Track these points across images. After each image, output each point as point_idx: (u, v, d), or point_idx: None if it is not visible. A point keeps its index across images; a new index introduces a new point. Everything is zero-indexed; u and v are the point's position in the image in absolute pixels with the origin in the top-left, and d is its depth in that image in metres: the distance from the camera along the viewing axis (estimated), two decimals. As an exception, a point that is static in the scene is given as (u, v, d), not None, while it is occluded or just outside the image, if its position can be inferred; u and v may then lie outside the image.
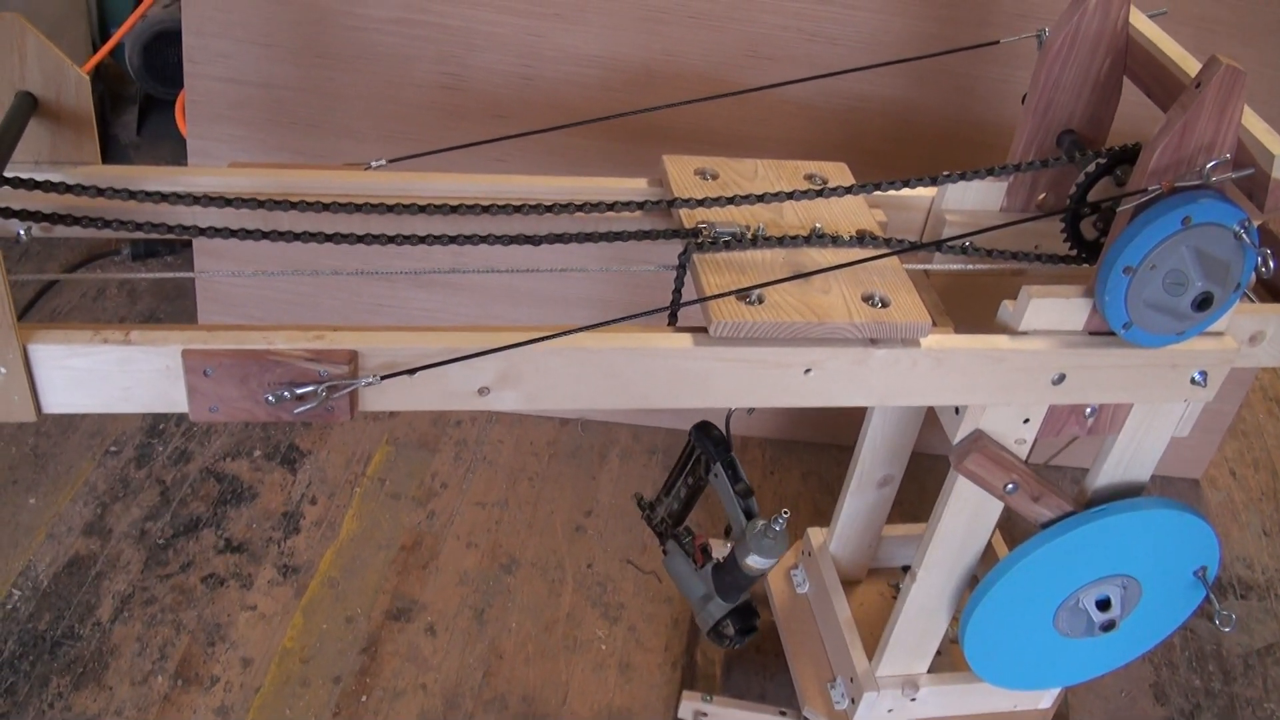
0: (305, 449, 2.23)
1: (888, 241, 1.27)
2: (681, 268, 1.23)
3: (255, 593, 1.95)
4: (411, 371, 1.07)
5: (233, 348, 1.04)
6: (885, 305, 1.19)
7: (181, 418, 2.23)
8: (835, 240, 1.26)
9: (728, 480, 1.41)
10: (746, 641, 1.46)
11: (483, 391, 1.12)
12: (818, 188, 1.32)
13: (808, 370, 1.18)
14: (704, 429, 1.46)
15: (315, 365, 1.04)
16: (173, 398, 1.06)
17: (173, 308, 2.57)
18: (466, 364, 1.09)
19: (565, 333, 1.11)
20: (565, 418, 2.41)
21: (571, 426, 2.39)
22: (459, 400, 1.12)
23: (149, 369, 1.05)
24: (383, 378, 1.06)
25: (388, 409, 1.11)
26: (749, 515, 1.39)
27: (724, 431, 1.45)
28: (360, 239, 1.17)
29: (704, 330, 1.16)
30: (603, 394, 1.16)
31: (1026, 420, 1.32)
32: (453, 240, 1.18)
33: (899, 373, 1.21)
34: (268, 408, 1.05)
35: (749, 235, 1.24)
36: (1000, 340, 1.22)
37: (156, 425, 2.24)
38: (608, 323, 1.14)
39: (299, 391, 1.04)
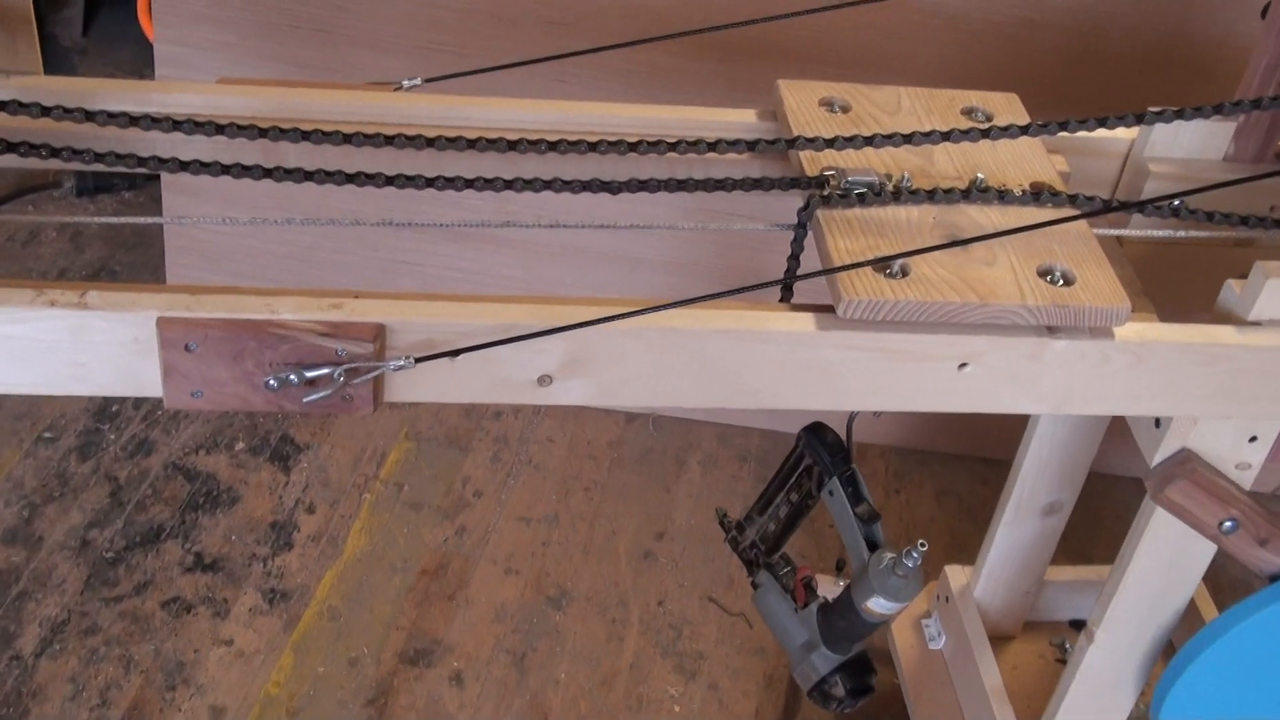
0: (302, 442, 2.26)
1: (1073, 199, 1.24)
2: (801, 228, 1.21)
3: (232, 623, 1.97)
4: (455, 353, 1.07)
5: (225, 316, 1.03)
6: (1068, 282, 1.17)
7: (141, 399, 2.26)
8: (1003, 196, 1.24)
9: (846, 499, 1.41)
10: (859, 705, 1.45)
11: (544, 381, 1.12)
12: (981, 126, 1.30)
13: (963, 365, 1.17)
14: (817, 432, 1.45)
15: (331, 342, 1.04)
16: (142, 379, 1.06)
17: (131, 259, 2.61)
18: (527, 346, 1.08)
19: (653, 309, 1.10)
20: (633, 412, 2.41)
21: (640, 424, 2.39)
22: (513, 391, 1.12)
23: (112, 341, 1.05)
24: (417, 360, 1.06)
25: (421, 399, 1.11)
26: (872, 545, 1.38)
27: (844, 437, 1.44)
28: (389, 180, 1.16)
29: (830, 310, 1.15)
30: (696, 389, 1.15)
31: (1253, 439, 1.29)
32: (508, 186, 1.17)
33: (1083, 371, 1.19)
34: (267, 394, 1.05)
35: (890, 187, 1.23)
36: (1222, 333, 1.20)
37: (108, 406, 2.27)
38: (706, 298, 1.13)
39: (309, 375, 1.04)
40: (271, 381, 1.04)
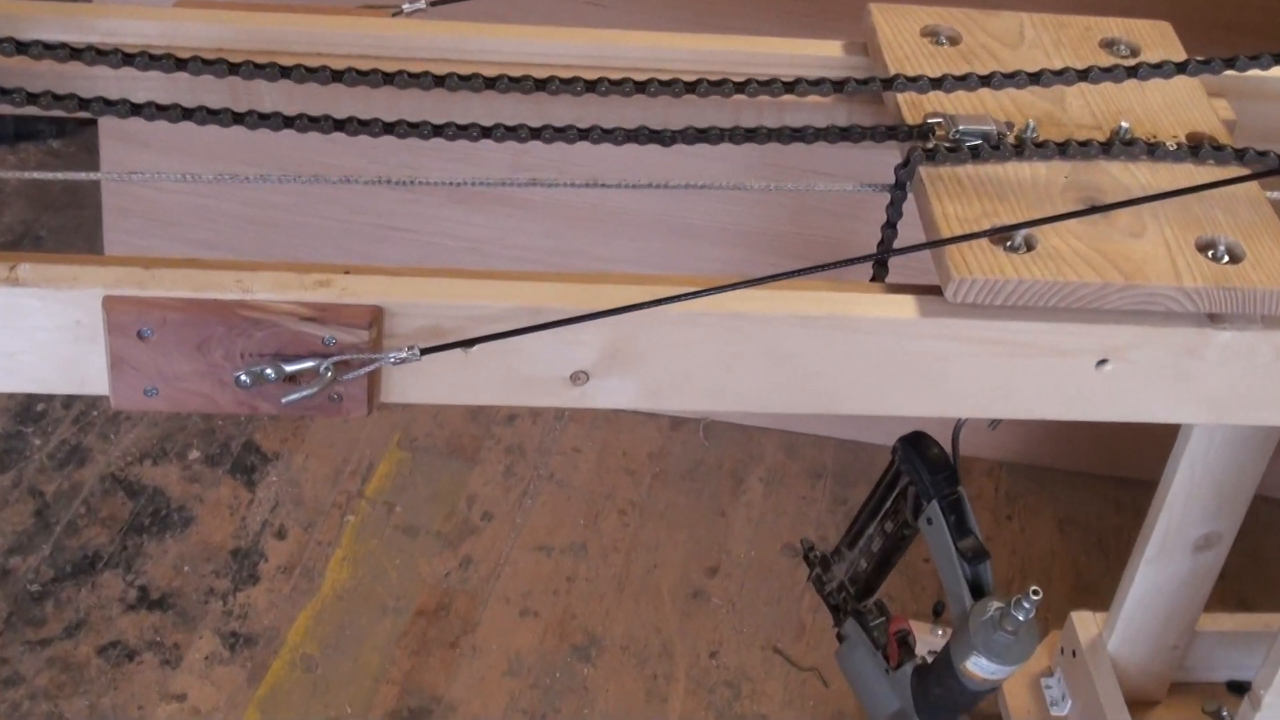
0: (270, 450, 2.27)
1: (1240, 155, 1.23)
2: (900, 189, 1.21)
3: (185, 674, 1.98)
4: (469, 343, 1.07)
5: (187, 296, 1.04)
6: (1235, 259, 1.16)
7: (73, 397, 2.28)
8: (1153, 150, 1.23)
9: (948, 531, 1.40)
10: (960, 792, 1.45)
11: (578, 379, 1.12)
12: (1126, 62, 1.30)
13: (1101, 362, 1.16)
14: (917, 444, 1.44)
15: (317, 329, 1.04)
16: (84, 372, 1.07)
17: (59, 222, 2.62)
18: (558, 335, 1.08)
19: (714, 290, 1.10)
20: (679, 416, 2.41)
21: (688, 430, 2.39)
22: (540, 391, 1.12)
23: (48, 325, 1.06)
24: (423, 352, 1.06)
25: (424, 400, 1.12)
26: (977, 590, 1.37)
27: (949, 451, 1.43)
28: (387, 128, 1.17)
29: (936, 292, 1.14)
30: (766, 389, 1.15)
31: None
32: (535, 135, 1.18)
33: (1252, 371, 1.18)
34: (238, 393, 1.06)
35: (1010, 139, 1.22)
36: None
37: (31, 405, 2.29)
38: (779, 276, 1.12)
39: (289, 369, 1.04)
40: (243, 377, 1.04)
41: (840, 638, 1.53)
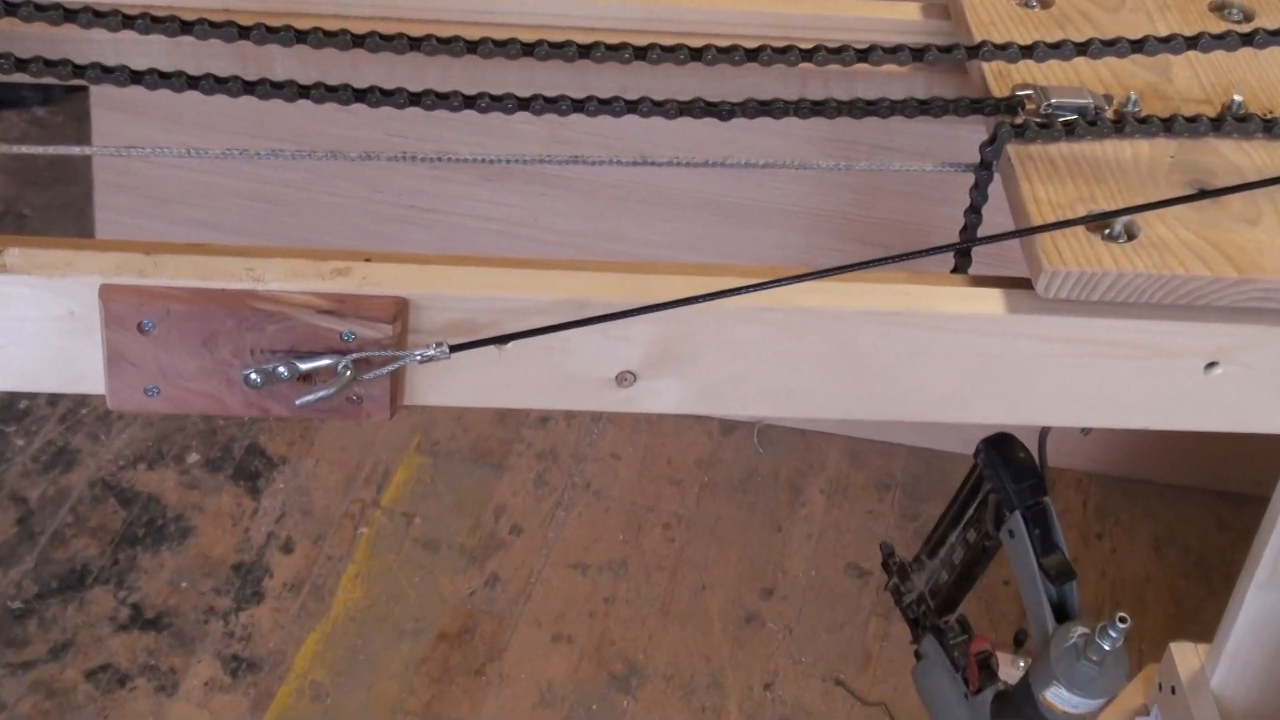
0: (276, 454, 2.27)
1: (1368, 132, 1.23)
2: (985, 169, 1.21)
3: (182, 701, 2.00)
4: (504, 340, 1.07)
5: (193, 285, 1.04)
6: (1364, 251, 1.15)
7: (60, 394, 2.29)
8: (1270, 127, 1.23)
9: (1030, 545, 1.40)
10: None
11: (624, 380, 1.12)
12: (1240, 28, 1.29)
13: (1210, 365, 1.16)
14: (1001, 448, 1.44)
15: (335, 322, 1.04)
16: (78, 369, 1.08)
17: (45, 200, 2.63)
18: (605, 331, 1.08)
19: (779, 281, 1.09)
20: (731, 419, 2.40)
21: (742, 435, 2.39)
22: (582, 394, 1.12)
23: (37, 316, 1.06)
24: (453, 348, 1.06)
25: (453, 402, 1.12)
26: (1061, 613, 1.37)
27: (1036, 456, 1.43)
28: (413, 99, 1.17)
29: (1025, 285, 1.14)
30: (834, 393, 1.15)
31: None
32: (577, 107, 1.17)
33: (1382, 376, 1.17)
34: (248, 393, 1.06)
35: (1109, 113, 1.22)
36: None
37: (13, 403, 2.30)
38: (852, 267, 1.12)
39: (304, 367, 1.04)
40: (253, 375, 1.04)
41: (918, 655, 1.53)
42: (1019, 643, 1.49)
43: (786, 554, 2.24)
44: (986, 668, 1.49)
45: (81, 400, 2.26)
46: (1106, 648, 1.32)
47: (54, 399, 2.31)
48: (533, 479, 2.29)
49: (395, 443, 2.31)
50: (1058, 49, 1.24)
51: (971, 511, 1.49)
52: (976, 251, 1.21)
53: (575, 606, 2.14)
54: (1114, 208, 1.15)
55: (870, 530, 2.27)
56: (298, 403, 1.05)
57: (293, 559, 2.16)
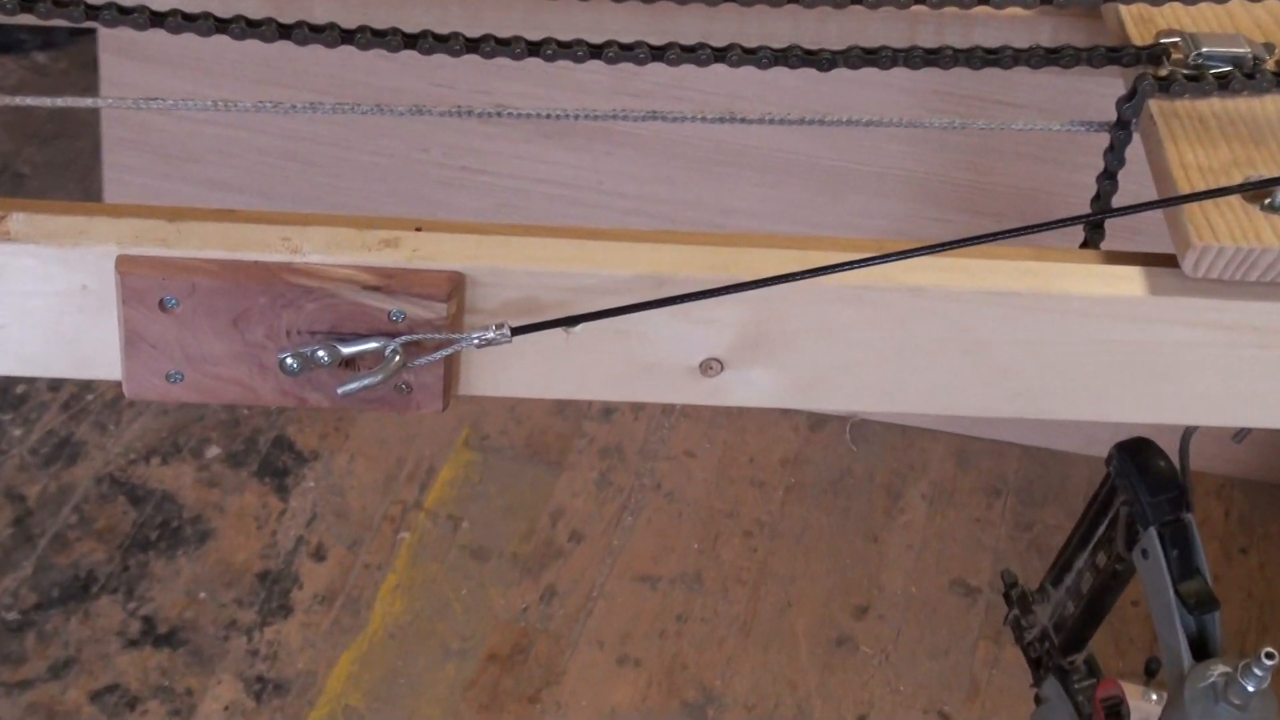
0: (307, 449, 2.28)
1: None
2: (1122, 128, 1.20)
3: (202, 727, 2.03)
4: (572, 321, 1.07)
5: (222, 257, 1.05)
6: None
7: (62, 381, 2.30)
8: None
9: (1166, 567, 1.39)
10: None
11: (709, 369, 1.12)
12: None
13: (1388, 357, 1.14)
14: (1137, 455, 1.43)
15: (383, 300, 1.05)
16: (89, 351, 1.08)
17: (47, 157, 2.64)
18: (687, 312, 1.08)
19: (884, 257, 1.09)
20: (820, 413, 2.40)
21: (832, 431, 2.38)
22: (660, 384, 1.12)
23: (45, 291, 1.06)
24: (515, 330, 1.06)
25: (516, 393, 1.12)
26: (1200, 647, 1.36)
27: (1178, 464, 1.42)
28: (470, 45, 1.17)
29: (1170, 263, 1.13)
30: (946, 386, 1.15)
31: None
32: (657, 55, 1.17)
33: None
34: (283, 381, 1.07)
35: (1270, 65, 1.21)
36: None
37: (10, 388, 2.31)
38: (967, 241, 1.12)
39: (348, 351, 1.05)
40: (290, 360, 1.05)
41: (1038, 700, 1.53)
42: (1150, 672, 1.48)
43: (883, 567, 2.23)
44: (1116, 716, 1.47)
45: (87, 385, 2.27)
46: (1251, 689, 1.30)
47: (56, 384, 2.32)
48: (595, 479, 2.30)
49: (441, 436, 2.32)
50: (1206, -9, 1.23)
51: (1102, 530, 1.47)
52: (1111, 224, 1.20)
53: (643, 625, 2.14)
54: (1275, 174, 1.14)
55: (978, 541, 2.26)
56: (340, 391, 1.05)
57: (325, 567, 2.17)
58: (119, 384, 1.09)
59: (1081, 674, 1.51)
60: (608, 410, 2.38)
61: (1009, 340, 1.14)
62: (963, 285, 1.12)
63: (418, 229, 1.08)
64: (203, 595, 2.13)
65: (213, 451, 2.28)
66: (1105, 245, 1.19)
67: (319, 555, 2.18)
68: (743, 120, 1.24)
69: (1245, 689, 1.29)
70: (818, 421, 2.40)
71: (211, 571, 2.15)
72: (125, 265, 1.05)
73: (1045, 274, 1.13)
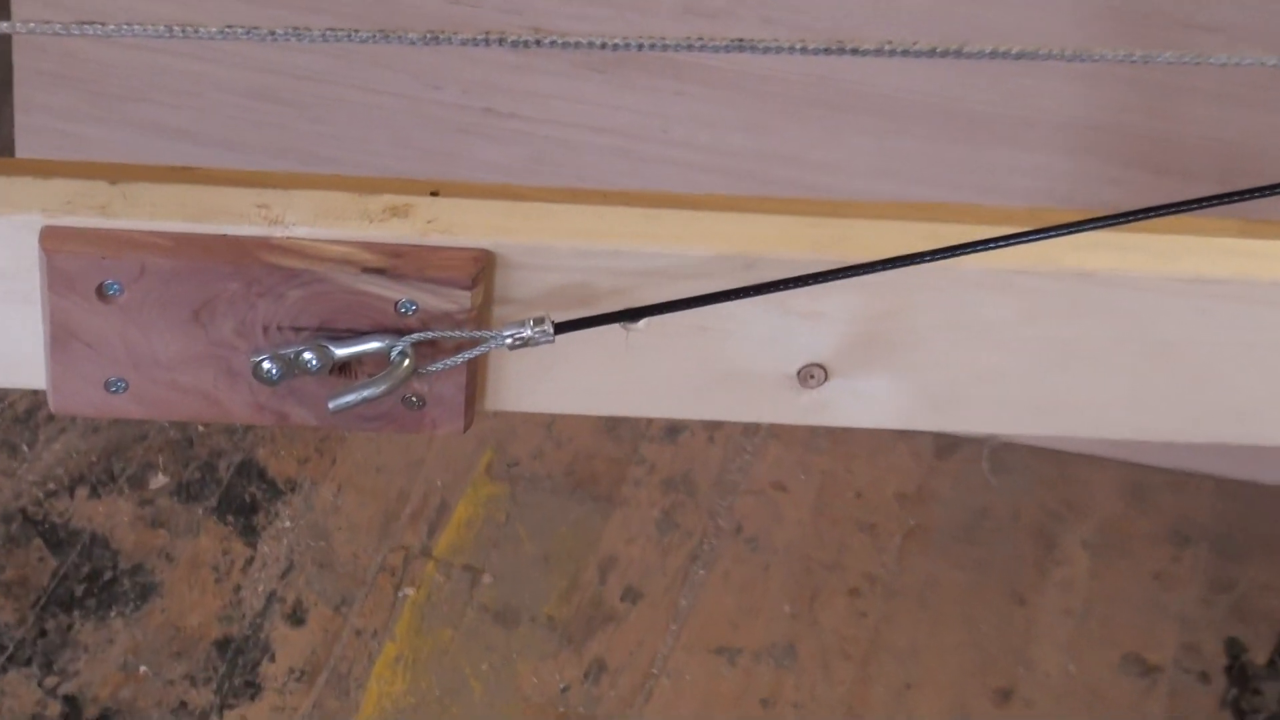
0: (281, 476, 2.29)
1: None
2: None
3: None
4: (634, 315, 1.08)
5: (178, 229, 1.06)
6: None
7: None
8: None
9: None
10: None
11: (810, 377, 1.13)
12: None
13: None
14: None
15: (389, 286, 1.06)
16: (6, 352, 1.10)
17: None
18: (782, 302, 1.10)
19: (1039, 233, 1.09)
20: (951, 434, 2.40)
21: (965, 456, 2.39)
22: (747, 397, 1.14)
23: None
24: (558, 327, 1.07)
25: (559, 409, 1.13)
26: None
27: None
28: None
29: None
30: (1125, 403, 1.16)
31: None
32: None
33: None
34: (259, 391, 1.08)
35: None
36: None
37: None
38: (1151, 211, 1.12)
39: (342, 353, 1.06)
40: (267, 365, 1.06)
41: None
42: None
43: (1032, 638, 2.23)
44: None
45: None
46: None
47: (-47, 390, 2.34)
48: (656, 519, 2.30)
49: (456, 463, 2.33)
50: None
51: None
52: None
53: (719, 710, 2.15)
54: None
55: (1159, 604, 2.26)
56: (332, 406, 1.06)
57: (304, 634, 2.18)
58: (40, 394, 1.10)
59: None
60: (672, 429, 2.38)
61: (1206, 341, 1.15)
62: (1144, 269, 1.13)
63: (434, 193, 1.09)
64: (144, 669, 2.14)
65: (159, 481, 2.29)
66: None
67: (296, 618, 2.19)
68: (854, 51, 1.25)
69: None
70: (947, 446, 2.40)
71: (156, 638, 2.17)
72: (52, 241, 1.05)
73: (1255, 254, 1.14)
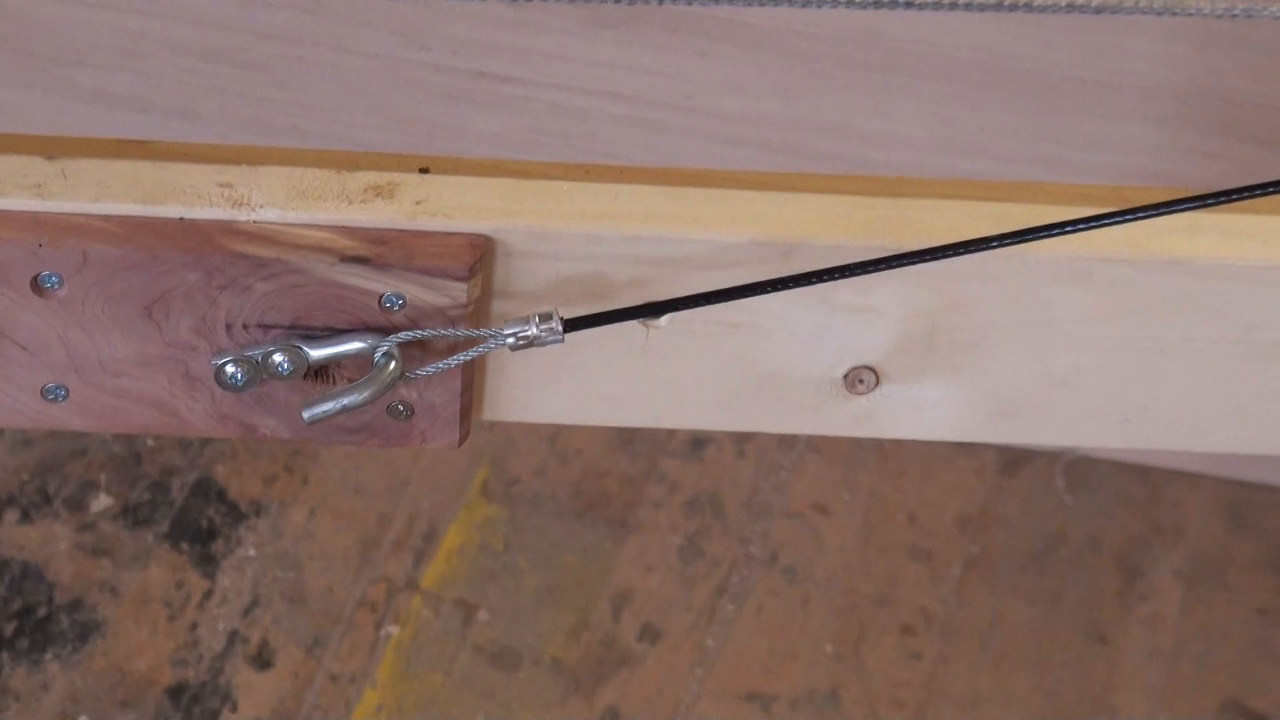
0: (245, 499, 2.30)
1: None
2: None
3: None
4: (655, 310, 1.08)
5: (127, 212, 1.06)
6: None
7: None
8: None
9: None
10: None
11: (858, 382, 1.14)
12: None
13: None
14: None
15: (371, 277, 1.06)
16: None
17: None
18: (824, 295, 1.10)
19: (1121, 215, 1.09)
20: (1020, 447, 2.41)
21: (1035, 473, 2.40)
22: (786, 405, 1.14)
23: None
24: (568, 324, 1.07)
25: (567, 419, 1.13)
26: None
27: None
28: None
29: None
30: (1224, 413, 1.17)
31: None
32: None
33: None
34: (221, 398, 1.09)
35: None
36: None
37: None
38: (1254, 190, 1.12)
39: (318, 355, 1.07)
40: (231, 368, 1.06)
41: None
42: None
43: (1116, 682, 2.24)
44: None
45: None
46: None
47: None
48: (679, 546, 2.31)
49: (447, 481, 2.33)
50: None
51: None
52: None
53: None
54: None
55: (1263, 642, 2.27)
56: (307, 416, 1.06)
57: (271, 678, 2.18)
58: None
59: None
60: (697, 442, 2.39)
61: (1323, 341, 1.15)
62: (1246, 256, 1.13)
63: (423, 170, 1.09)
64: (84, 719, 2.14)
65: (101, 503, 2.29)
66: None
67: (262, 660, 2.19)
68: (906, 4, 1.25)
69: None
70: (1015, 460, 2.40)
71: (99, 683, 2.17)
72: (-18, 224, 1.06)
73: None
